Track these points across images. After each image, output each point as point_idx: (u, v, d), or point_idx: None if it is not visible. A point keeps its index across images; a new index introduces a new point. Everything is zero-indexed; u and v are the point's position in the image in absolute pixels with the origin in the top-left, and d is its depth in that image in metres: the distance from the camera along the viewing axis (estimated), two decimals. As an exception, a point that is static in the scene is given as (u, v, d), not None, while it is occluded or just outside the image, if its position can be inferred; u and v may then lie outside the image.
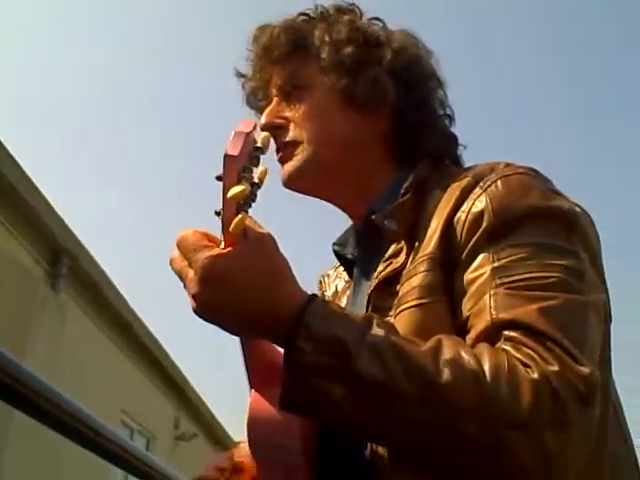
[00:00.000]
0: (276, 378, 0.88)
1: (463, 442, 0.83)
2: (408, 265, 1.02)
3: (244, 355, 0.99)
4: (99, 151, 16.59)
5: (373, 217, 1.10)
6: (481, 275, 0.94)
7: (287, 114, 1.18)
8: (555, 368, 0.83)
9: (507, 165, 1.04)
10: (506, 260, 0.94)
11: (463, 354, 0.85)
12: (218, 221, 0.85)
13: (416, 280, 0.99)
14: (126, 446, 1.76)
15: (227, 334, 0.93)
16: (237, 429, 1.12)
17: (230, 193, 0.79)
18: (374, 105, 1.15)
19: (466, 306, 0.95)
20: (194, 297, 0.87)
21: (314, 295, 0.90)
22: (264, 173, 0.85)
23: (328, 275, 1.32)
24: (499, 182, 1.00)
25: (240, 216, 0.82)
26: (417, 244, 1.03)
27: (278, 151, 1.18)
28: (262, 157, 0.85)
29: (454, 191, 1.03)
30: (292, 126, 1.17)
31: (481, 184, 1.01)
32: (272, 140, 1.15)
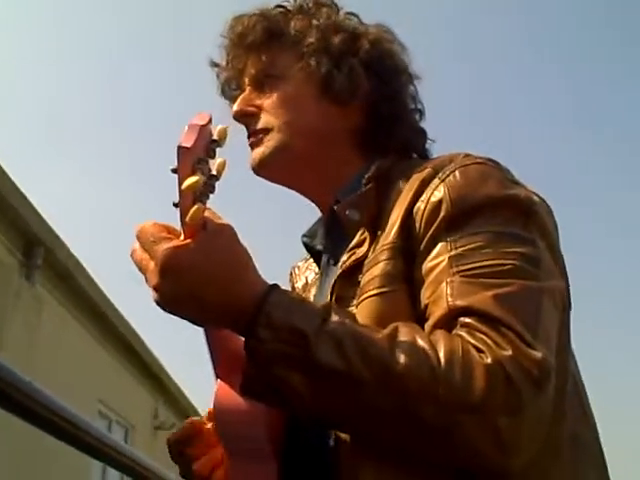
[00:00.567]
0: (240, 367, 0.89)
1: (419, 427, 0.85)
2: (370, 255, 1.04)
3: (208, 345, 1.01)
4: (63, 136, 16.43)
5: (335, 207, 1.11)
6: (439, 264, 0.96)
7: (259, 102, 1.18)
8: (508, 353, 0.85)
9: (466, 155, 1.05)
10: (463, 248, 0.95)
11: (419, 340, 0.87)
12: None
13: (377, 269, 1.01)
14: (103, 437, 1.73)
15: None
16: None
17: (184, 184, 0.80)
18: (348, 96, 1.15)
19: (425, 294, 0.96)
20: (155, 289, 0.88)
21: (275, 285, 0.91)
22: (222, 165, 0.85)
23: (298, 267, 1.33)
24: (457, 172, 1.02)
25: (196, 207, 0.82)
26: (379, 234, 1.05)
27: (249, 138, 1.18)
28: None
29: (414, 181, 1.05)
30: (264, 114, 1.17)
31: (440, 174, 1.03)
32: (246, 128, 1.17)
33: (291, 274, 1.35)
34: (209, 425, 1.11)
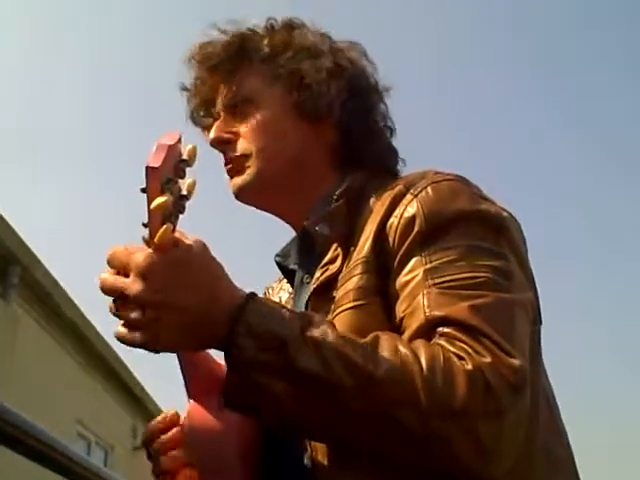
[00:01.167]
0: (214, 387, 0.89)
1: (401, 433, 0.85)
2: (344, 270, 1.05)
3: (181, 367, 1.01)
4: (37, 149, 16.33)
5: (305, 223, 1.12)
6: (414, 277, 0.97)
7: (235, 128, 1.19)
8: (488, 360, 0.87)
9: (437, 173, 1.08)
10: (437, 262, 0.97)
11: (400, 347, 0.88)
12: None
13: (351, 283, 1.02)
14: (79, 460, 1.70)
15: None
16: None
17: (153, 204, 0.79)
18: (322, 115, 1.17)
19: (400, 308, 0.98)
20: (137, 297, 0.85)
21: (253, 293, 0.91)
22: (192, 185, 0.85)
23: (272, 287, 1.32)
24: (429, 188, 1.03)
25: (165, 227, 0.82)
26: (352, 249, 1.06)
27: (226, 165, 1.19)
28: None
29: (387, 198, 1.06)
30: (240, 140, 1.18)
31: (412, 190, 1.04)
32: (223, 152, 1.18)
33: (265, 294, 1.34)
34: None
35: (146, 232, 0.83)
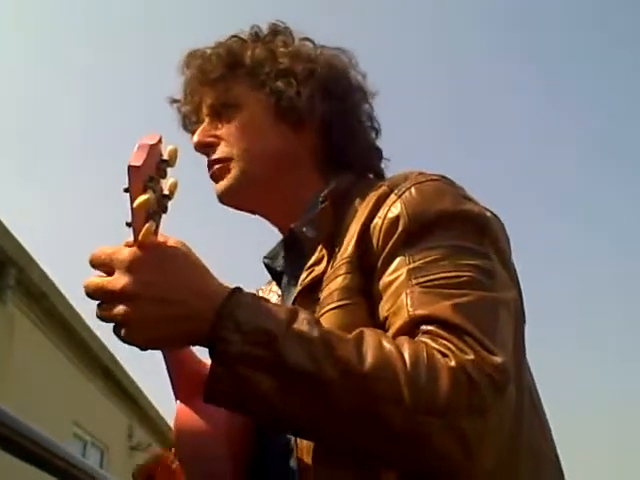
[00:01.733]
0: (201, 388, 0.89)
1: (385, 428, 0.86)
2: (328, 271, 1.06)
3: (168, 368, 1.02)
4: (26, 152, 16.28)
5: (292, 225, 1.13)
6: (398, 277, 0.98)
7: (218, 132, 1.21)
8: (471, 357, 0.87)
9: (420, 173, 1.09)
10: (421, 261, 0.98)
11: (384, 343, 0.89)
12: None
13: (335, 284, 1.03)
14: (74, 461, 1.70)
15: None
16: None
17: (136, 202, 0.80)
18: (304, 119, 1.18)
19: (384, 307, 0.98)
20: (123, 292, 0.85)
21: (238, 288, 0.91)
22: (174, 185, 0.86)
23: (262, 289, 1.33)
24: (413, 189, 1.05)
25: (148, 224, 0.83)
26: (337, 250, 1.07)
27: (209, 168, 1.21)
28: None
29: (371, 199, 1.07)
30: (222, 143, 1.20)
31: (396, 191, 1.05)
32: (207, 155, 1.20)
33: None
34: (176, 464, 1.10)
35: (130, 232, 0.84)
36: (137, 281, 0.86)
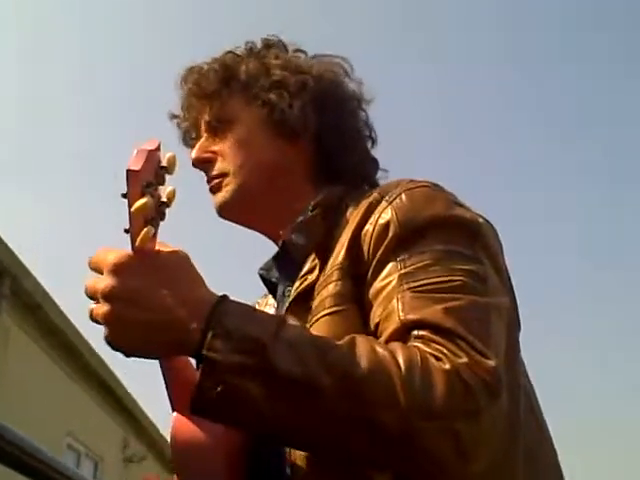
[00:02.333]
0: None
1: (380, 434, 0.85)
2: (320, 279, 1.06)
3: (165, 378, 1.01)
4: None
5: (281, 233, 1.14)
6: (389, 283, 0.98)
7: (216, 148, 1.23)
8: (464, 360, 0.87)
9: (411, 180, 1.09)
10: (412, 267, 0.98)
11: (377, 348, 0.88)
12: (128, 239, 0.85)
13: (326, 291, 1.03)
14: (68, 472, 1.68)
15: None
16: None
17: (134, 206, 0.80)
18: (298, 132, 1.19)
19: (376, 313, 0.98)
20: (105, 294, 0.86)
21: (224, 296, 0.91)
22: (172, 193, 0.86)
23: (258, 303, 1.33)
24: (403, 195, 1.05)
25: (146, 229, 0.82)
26: (329, 259, 1.07)
27: (208, 183, 1.23)
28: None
29: (362, 206, 1.08)
30: (219, 159, 1.22)
31: (387, 198, 1.06)
32: (205, 171, 1.22)
33: None
34: None
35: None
36: (118, 283, 0.86)
